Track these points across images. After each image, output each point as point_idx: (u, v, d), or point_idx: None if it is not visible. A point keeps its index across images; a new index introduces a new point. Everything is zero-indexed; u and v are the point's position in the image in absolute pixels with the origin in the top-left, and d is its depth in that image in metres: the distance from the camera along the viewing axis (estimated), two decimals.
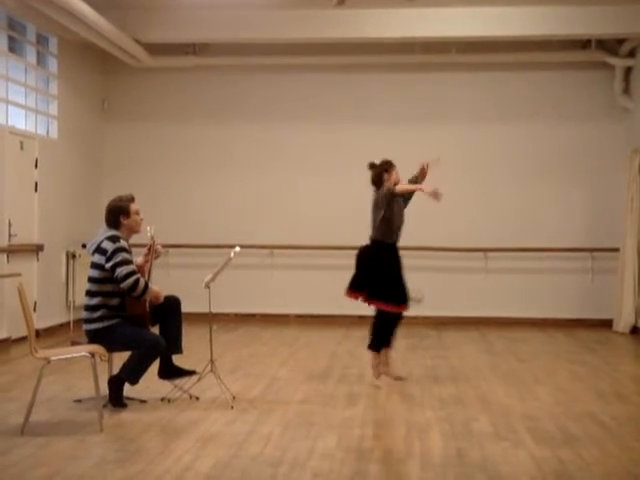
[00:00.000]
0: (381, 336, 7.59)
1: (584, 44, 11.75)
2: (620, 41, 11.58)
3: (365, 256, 7.59)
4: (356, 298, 7.60)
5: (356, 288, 7.54)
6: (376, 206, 7.55)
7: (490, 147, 12.25)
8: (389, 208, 7.45)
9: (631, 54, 11.63)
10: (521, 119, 12.21)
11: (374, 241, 7.58)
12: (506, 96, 12.26)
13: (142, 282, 6.41)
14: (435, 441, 5.62)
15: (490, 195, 12.18)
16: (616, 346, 10.52)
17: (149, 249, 6.78)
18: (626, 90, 11.83)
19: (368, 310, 12.20)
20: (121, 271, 6.35)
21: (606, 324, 11.62)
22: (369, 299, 7.50)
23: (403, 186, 7.50)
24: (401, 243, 12.98)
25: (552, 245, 12.06)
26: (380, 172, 7.55)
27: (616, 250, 11.66)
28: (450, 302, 12.09)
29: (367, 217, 12.06)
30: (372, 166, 7.62)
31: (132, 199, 6.67)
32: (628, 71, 11.79)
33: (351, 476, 4.83)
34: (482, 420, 6.24)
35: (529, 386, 7.59)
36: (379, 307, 7.48)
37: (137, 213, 6.66)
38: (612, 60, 11.68)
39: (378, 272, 7.43)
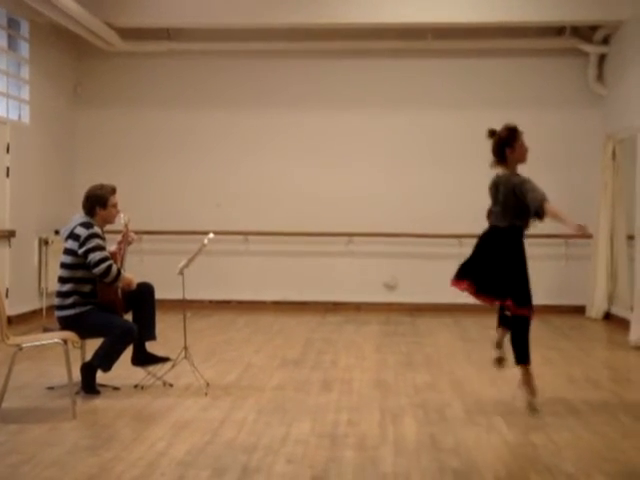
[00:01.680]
0: (524, 343, 6.18)
1: (558, 31, 11.78)
2: (594, 28, 11.61)
3: (493, 244, 6.52)
4: (463, 289, 6.23)
5: (472, 278, 6.26)
6: (506, 194, 6.53)
7: (464, 133, 12.22)
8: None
9: (605, 41, 11.64)
10: (495, 105, 12.16)
11: (508, 227, 6.56)
12: (481, 82, 12.24)
13: (114, 268, 6.39)
14: (409, 427, 5.64)
15: (465, 181, 12.11)
16: (589, 332, 10.59)
17: (123, 236, 6.77)
18: (599, 77, 11.86)
19: (343, 297, 12.34)
20: (94, 257, 6.33)
21: (579, 310, 11.70)
22: (498, 298, 6.16)
23: (555, 210, 6.27)
24: (376, 229, 12.94)
25: (527, 231, 12.05)
26: (500, 145, 6.30)
27: (589, 237, 11.70)
28: (424, 288, 12.08)
29: (343, 203, 12.27)
30: (492, 134, 6.38)
31: (113, 191, 6.67)
32: (602, 58, 11.81)
33: (325, 462, 4.83)
34: (455, 406, 6.27)
35: (502, 372, 7.60)
36: (512, 309, 6.08)
37: (114, 206, 6.66)
38: (586, 47, 11.71)
39: (509, 265, 6.30)
